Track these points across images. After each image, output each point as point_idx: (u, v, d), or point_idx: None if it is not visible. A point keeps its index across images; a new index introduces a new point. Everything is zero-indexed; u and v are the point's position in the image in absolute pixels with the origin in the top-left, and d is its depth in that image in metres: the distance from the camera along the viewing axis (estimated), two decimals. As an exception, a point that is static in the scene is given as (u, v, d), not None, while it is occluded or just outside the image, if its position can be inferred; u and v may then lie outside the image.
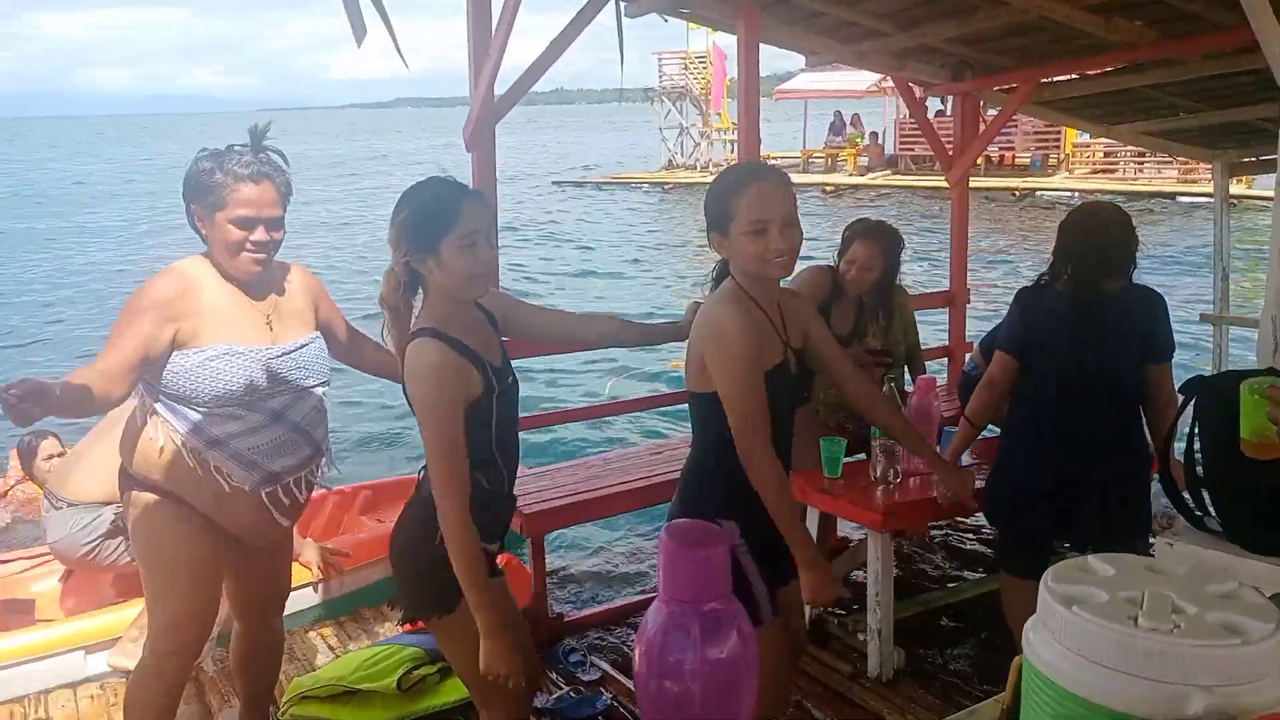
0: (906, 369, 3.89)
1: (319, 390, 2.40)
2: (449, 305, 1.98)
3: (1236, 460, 1.82)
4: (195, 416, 2.23)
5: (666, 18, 4.20)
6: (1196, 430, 2.24)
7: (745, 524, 2.02)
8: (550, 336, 2.52)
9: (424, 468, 2.02)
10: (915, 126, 24.67)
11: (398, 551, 2.08)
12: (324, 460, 2.46)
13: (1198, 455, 2.22)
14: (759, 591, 2.05)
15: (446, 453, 1.90)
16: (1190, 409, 2.26)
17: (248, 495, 2.28)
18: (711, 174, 28.00)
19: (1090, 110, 5.46)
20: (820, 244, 9.54)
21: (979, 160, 5.21)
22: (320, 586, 3.63)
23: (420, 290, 2.01)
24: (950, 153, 5.03)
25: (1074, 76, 4.87)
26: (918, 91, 5.22)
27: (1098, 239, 2.68)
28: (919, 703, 2.96)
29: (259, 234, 2.23)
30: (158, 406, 2.24)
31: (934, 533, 4.23)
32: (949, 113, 24.79)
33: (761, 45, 4.11)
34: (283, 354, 2.30)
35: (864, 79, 24.58)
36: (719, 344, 1.97)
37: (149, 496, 2.28)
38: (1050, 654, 0.85)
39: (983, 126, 5.10)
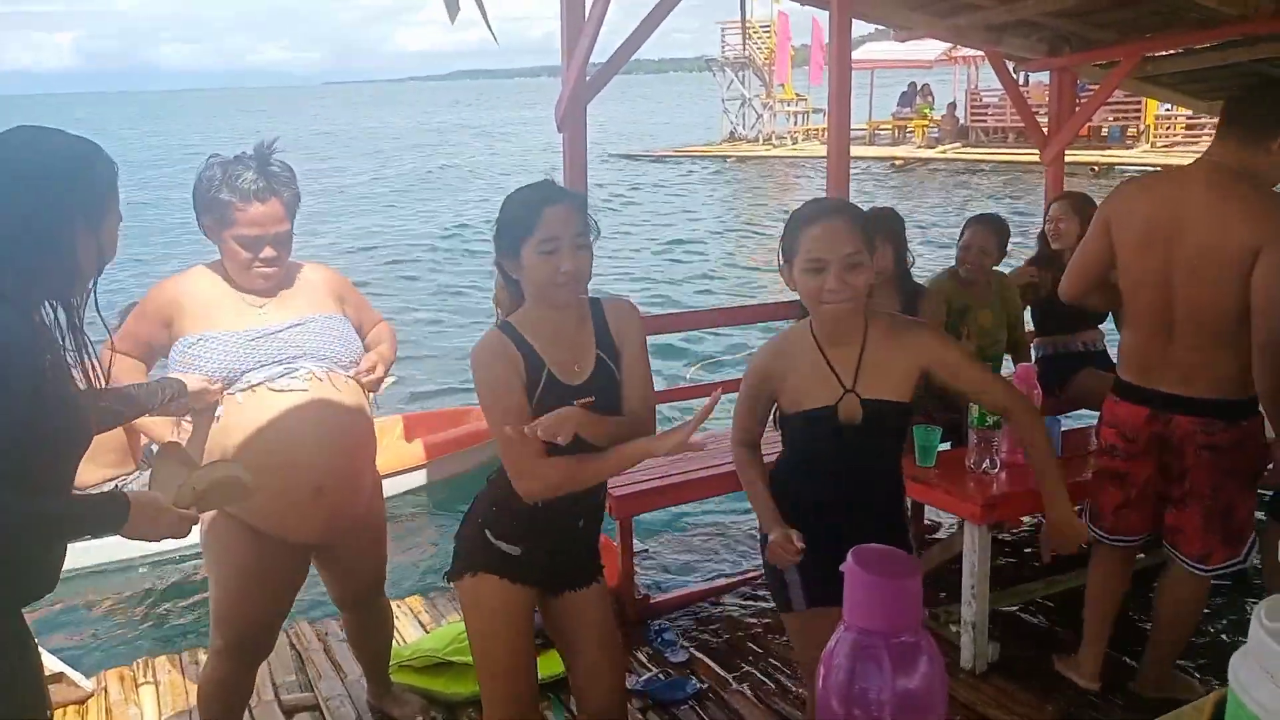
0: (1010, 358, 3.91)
1: (322, 369, 2.30)
2: (535, 307, 1.97)
3: None
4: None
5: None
6: None
7: (786, 516, 2.04)
8: None
9: (495, 470, 2.04)
10: (989, 98, 24.27)
11: (461, 521, 2.11)
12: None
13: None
14: (791, 578, 2.07)
15: (498, 429, 1.88)
16: None
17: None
18: (775, 146, 27.74)
19: (1193, 85, 5.24)
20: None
21: (1034, 137, 5.01)
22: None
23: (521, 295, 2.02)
24: (1045, 130, 4.87)
25: (1178, 51, 4.69)
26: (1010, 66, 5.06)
27: None
28: (1013, 698, 2.92)
29: (266, 252, 2.26)
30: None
31: (1025, 521, 4.14)
32: (1021, 83, 24.20)
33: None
34: (265, 334, 2.26)
35: (933, 48, 23.97)
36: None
37: None
38: (1266, 696, 0.81)
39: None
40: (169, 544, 4.86)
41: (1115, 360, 2.76)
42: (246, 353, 2.24)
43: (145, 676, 3.20)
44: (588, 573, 2.13)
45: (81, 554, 4.73)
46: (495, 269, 2.00)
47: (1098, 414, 4.11)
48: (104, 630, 4.35)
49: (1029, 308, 4.15)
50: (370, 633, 2.79)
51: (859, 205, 2.37)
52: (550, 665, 2.97)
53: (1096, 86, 5.02)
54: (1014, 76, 5.34)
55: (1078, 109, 4.94)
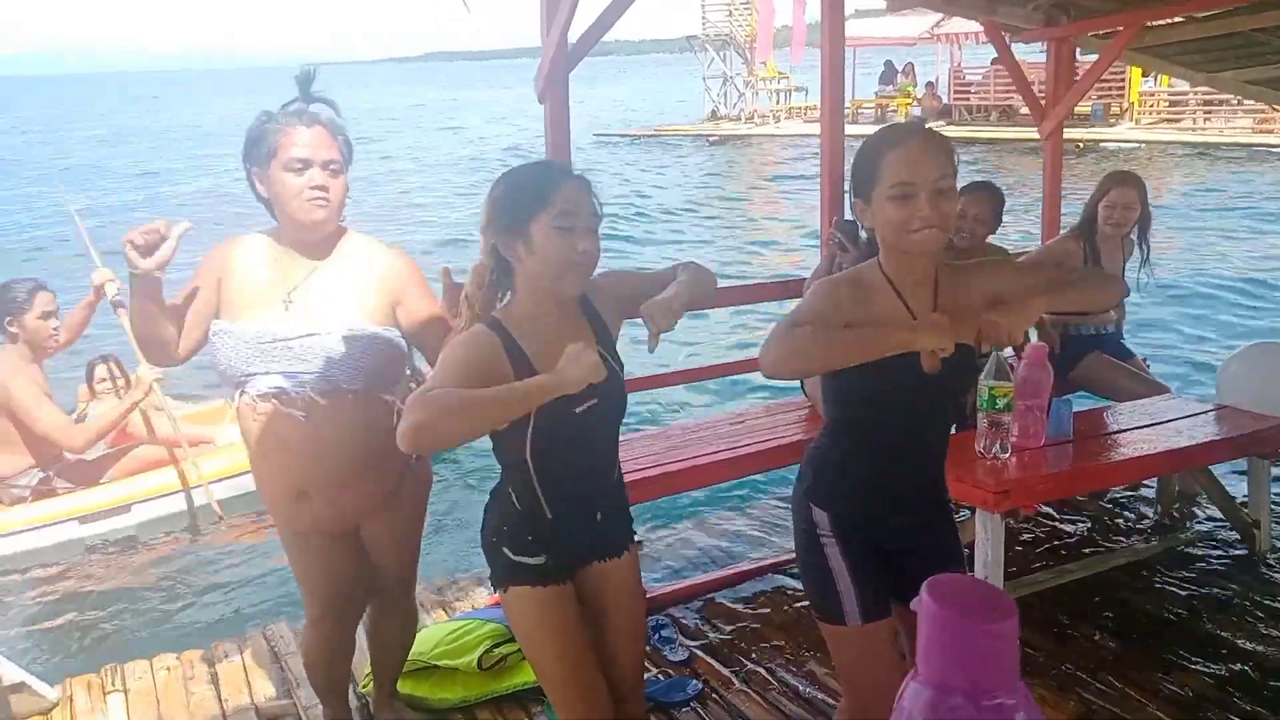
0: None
1: (325, 387, 2.14)
2: (530, 302, 1.80)
3: None
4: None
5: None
6: None
7: (839, 518, 1.89)
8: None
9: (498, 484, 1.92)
10: (972, 76, 24.10)
11: (483, 528, 1.97)
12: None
13: None
14: (843, 588, 1.89)
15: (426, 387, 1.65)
16: None
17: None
18: (757, 124, 27.49)
19: (1190, 56, 5.11)
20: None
21: (1031, 110, 4.85)
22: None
23: (509, 291, 1.84)
24: (1043, 103, 4.72)
25: (1179, 19, 4.54)
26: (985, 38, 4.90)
27: None
28: (1032, 694, 2.78)
29: (316, 176, 2.11)
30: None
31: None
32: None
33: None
34: (276, 340, 2.12)
35: (916, 25, 23.77)
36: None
37: None
38: None
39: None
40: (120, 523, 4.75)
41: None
42: (255, 355, 2.13)
43: (114, 684, 3.03)
44: (620, 542, 1.99)
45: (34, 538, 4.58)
46: (483, 257, 1.81)
47: (1103, 398, 4.07)
48: (68, 634, 4.15)
49: None
50: (387, 631, 2.65)
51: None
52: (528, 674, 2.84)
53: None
54: (1007, 47, 5.17)
55: (1075, 81, 4.79)
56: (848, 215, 3.44)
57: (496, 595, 1.96)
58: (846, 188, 1.88)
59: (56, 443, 4.57)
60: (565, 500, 1.87)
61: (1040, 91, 4.83)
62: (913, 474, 1.92)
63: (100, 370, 5.19)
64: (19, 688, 2.81)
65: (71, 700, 2.94)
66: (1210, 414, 3.53)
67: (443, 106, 53.92)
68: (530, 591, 1.87)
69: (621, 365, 1.91)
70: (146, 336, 2.14)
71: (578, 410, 1.78)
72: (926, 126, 1.84)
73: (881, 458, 1.89)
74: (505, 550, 1.88)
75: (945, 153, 1.74)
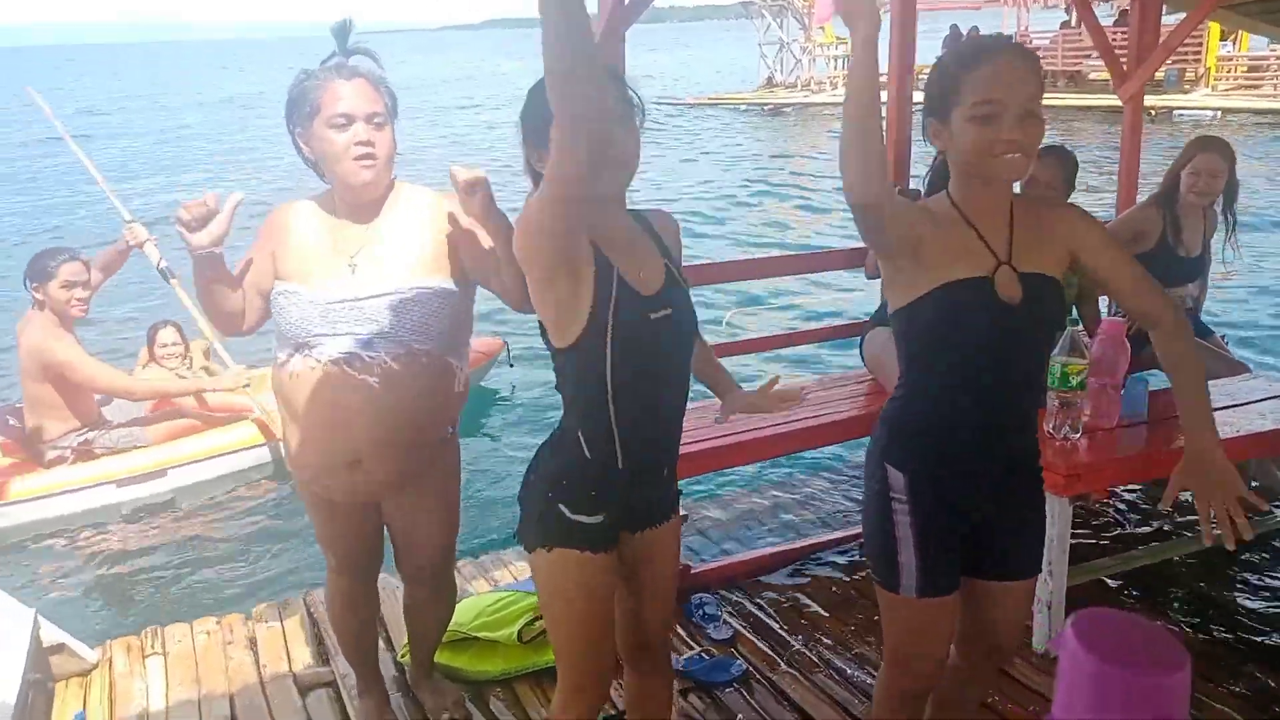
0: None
1: (398, 350, 2.07)
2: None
3: None
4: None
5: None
6: None
7: (915, 477, 1.75)
8: None
9: (556, 434, 1.78)
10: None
11: (523, 488, 1.84)
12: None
13: None
14: (905, 559, 1.76)
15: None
16: None
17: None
18: (814, 91, 26.91)
19: (1281, 14, 4.78)
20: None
21: (1112, 72, 4.55)
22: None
23: None
24: (1124, 66, 4.44)
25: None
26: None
27: None
28: (1095, 686, 2.64)
29: (360, 131, 2.01)
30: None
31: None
32: (1073, 24, 23.19)
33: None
34: (345, 301, 2.05)
35: (983, -12, 23.06)
36: None
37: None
38: None
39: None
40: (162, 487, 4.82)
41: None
42: (322, 316, 2.06)
43: (154, 647, 3.01)
44: (667, 506, 1.87)
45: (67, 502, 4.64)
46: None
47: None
48: (111, 595, 4.18)
49: None
50: (423, 609, 2.57)
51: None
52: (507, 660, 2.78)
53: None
54: (1088, 5, 4.88)
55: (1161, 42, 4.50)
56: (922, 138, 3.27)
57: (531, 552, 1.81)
58: (922, 110, 1.72)
59: (115, 392, 4.70)
60: (640, 447, 1.73)
61: (1120, 53, 4.54)
62: (999, 430, 1.75)
63: (165, 334, 5.22)
64: (58, 649, 2.81)
65: (111, 662, 2.93)
66: (1297, 396, 3.30)
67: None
68: (578, 557, 1.73)
69: (687, 282, 1.78)
70: (214, 310, 2.11)
71: (654, 316, 1.66)
72: (1014, 42, 1.67)
73: (962, 407, 1.72)
74: (561, 507, 1.73)
75: (1036, 72, 1.59)
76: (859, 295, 7.91)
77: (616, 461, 1.71)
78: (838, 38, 28.23)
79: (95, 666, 2.90)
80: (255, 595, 3.88)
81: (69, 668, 2.85)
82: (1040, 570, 1.97)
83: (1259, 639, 2.86)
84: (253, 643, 3.04)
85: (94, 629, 3.56)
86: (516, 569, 3.41)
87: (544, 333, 1.70)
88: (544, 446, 1.81)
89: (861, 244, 4.02)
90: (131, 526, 4.77)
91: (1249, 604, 3.07)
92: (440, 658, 2.79)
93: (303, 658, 2.94)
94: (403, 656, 2.83)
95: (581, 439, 1.71)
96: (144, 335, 5.34)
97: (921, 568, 1.76)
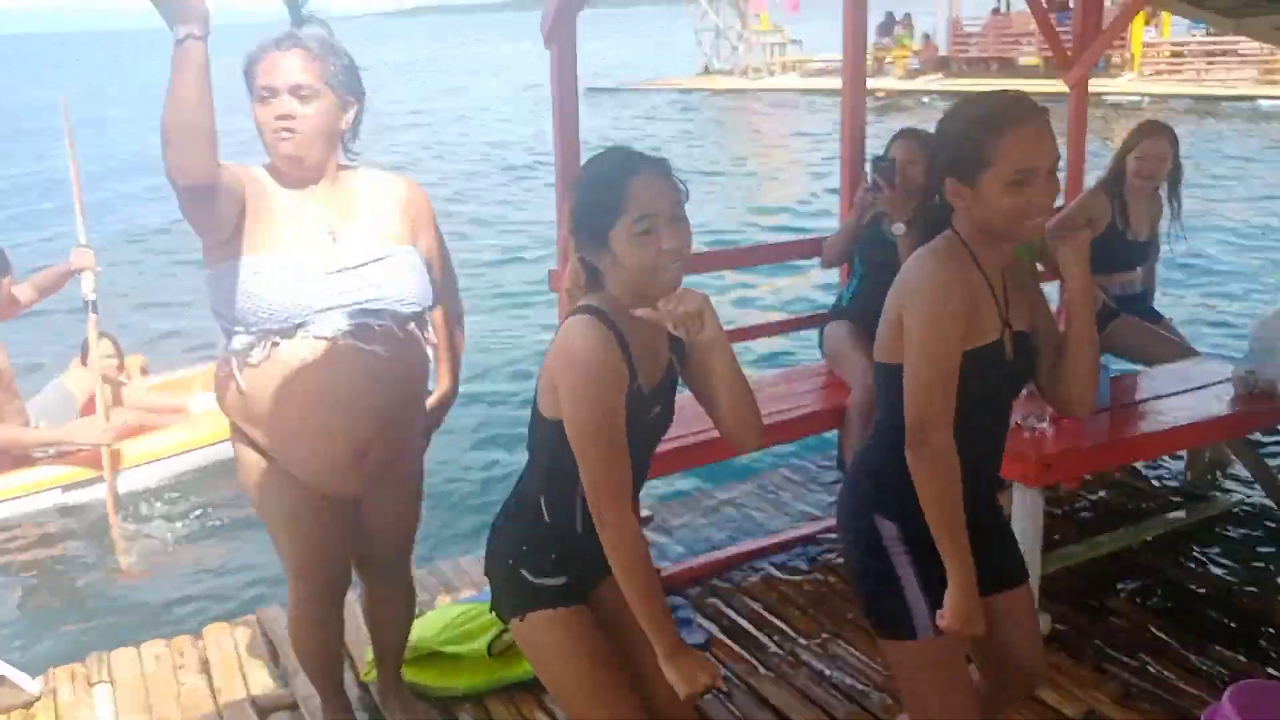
0: None
1: (404, 317, 2.05)
2: (628, 297, 1.64)
3: None
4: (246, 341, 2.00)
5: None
6: None
7: (911, 527, 1.72)
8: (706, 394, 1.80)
9: (520, 479, 1.77)
10: (970, 27, 23.65)
11: (488, 561, 1.83)
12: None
13: None
14: (912, 598, 1.73)
15: (602, 444, 1.57)
16: None
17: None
18: (751, 79, 26.97)
19: (1220, 1, 4.86)
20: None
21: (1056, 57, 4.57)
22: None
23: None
24: (1069, 51, 4.48)
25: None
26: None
27: None
28: (1069, 675, 2.64)
29: (283, 104, 1.93)
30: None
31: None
32: (1003, 11, 23.57)
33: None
34: (342, 269, 1.99)
35: (915, -26, 23.29)
36: (921, 302, 1.64)
37: (240, 449, 2.13)
38: None
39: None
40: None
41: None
42: (321, 288, 1.95)
43: (100, 675, 2.85)
44: None
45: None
46: (574, 261, 1.70)
47: (1132, 362, 3.90)
48: (51, 621, 3.96)
49: None
50: (387, 609, 2.48)
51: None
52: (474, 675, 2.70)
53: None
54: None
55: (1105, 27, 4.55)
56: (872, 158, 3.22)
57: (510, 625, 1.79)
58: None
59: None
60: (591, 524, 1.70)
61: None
62: (983, 462, 1.78)
63: (103, 346, 4.78)
64: (-2, 681, 2.65)
65: (55, 693, 2.78)
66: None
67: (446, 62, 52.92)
68: (552, 615, 1.72)
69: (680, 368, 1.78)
70: (179, 122, 1.69)
71: (648, 417, 1.70)
72: (1031, 100, 1.64)
73: (963, 453, 1.68)
74: (524, 573, 1.73)
75: (1053, 133, 1.63)
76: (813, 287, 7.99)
77: (576, 526, 1.72)
78: (773, 25, 28.34)
79: (39, 698, 2.74)
80: (204, 614, 3.71)
81: (10, 700, 2.69)
82: (1029, 575, 1.96)
83: (1219, 623, 2.92)
84: (205, 665, 2.91)
85: (34, 657, 3.36)
86: (476, 577, 3.31)
87: (536, 397, 1.69)
88: (500, 516, 1.82)
89: (818, 235, 4.01)
90: (69, 540, 4.53)
91: (1207, 587, 3.12)
92: (405, 673, 2.69)
93: (260, 679, 2.82)
94: (366, 675, 2.73)
95: (543, 504, 1.73)
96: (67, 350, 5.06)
97: (930, 603, 1.72)
